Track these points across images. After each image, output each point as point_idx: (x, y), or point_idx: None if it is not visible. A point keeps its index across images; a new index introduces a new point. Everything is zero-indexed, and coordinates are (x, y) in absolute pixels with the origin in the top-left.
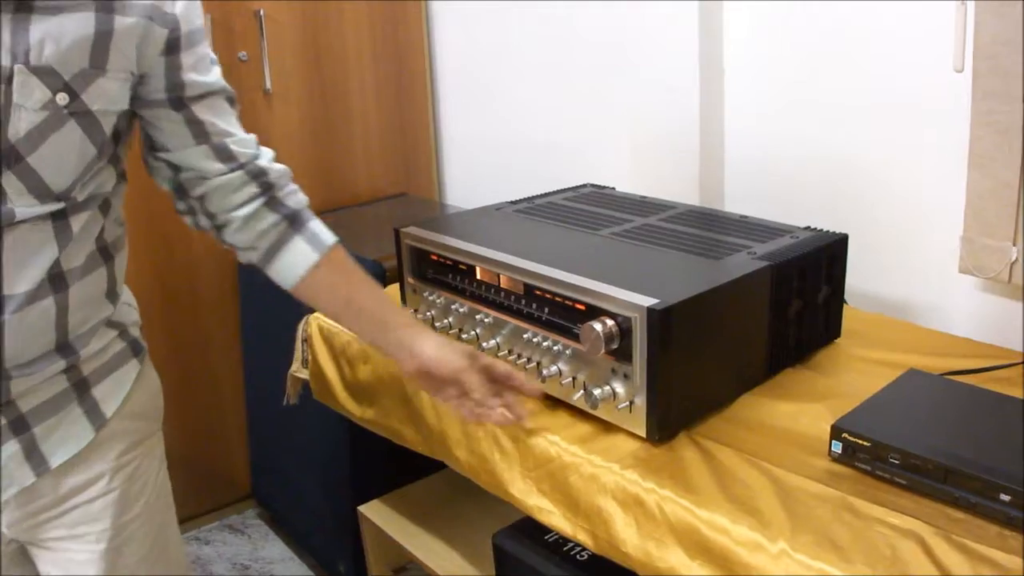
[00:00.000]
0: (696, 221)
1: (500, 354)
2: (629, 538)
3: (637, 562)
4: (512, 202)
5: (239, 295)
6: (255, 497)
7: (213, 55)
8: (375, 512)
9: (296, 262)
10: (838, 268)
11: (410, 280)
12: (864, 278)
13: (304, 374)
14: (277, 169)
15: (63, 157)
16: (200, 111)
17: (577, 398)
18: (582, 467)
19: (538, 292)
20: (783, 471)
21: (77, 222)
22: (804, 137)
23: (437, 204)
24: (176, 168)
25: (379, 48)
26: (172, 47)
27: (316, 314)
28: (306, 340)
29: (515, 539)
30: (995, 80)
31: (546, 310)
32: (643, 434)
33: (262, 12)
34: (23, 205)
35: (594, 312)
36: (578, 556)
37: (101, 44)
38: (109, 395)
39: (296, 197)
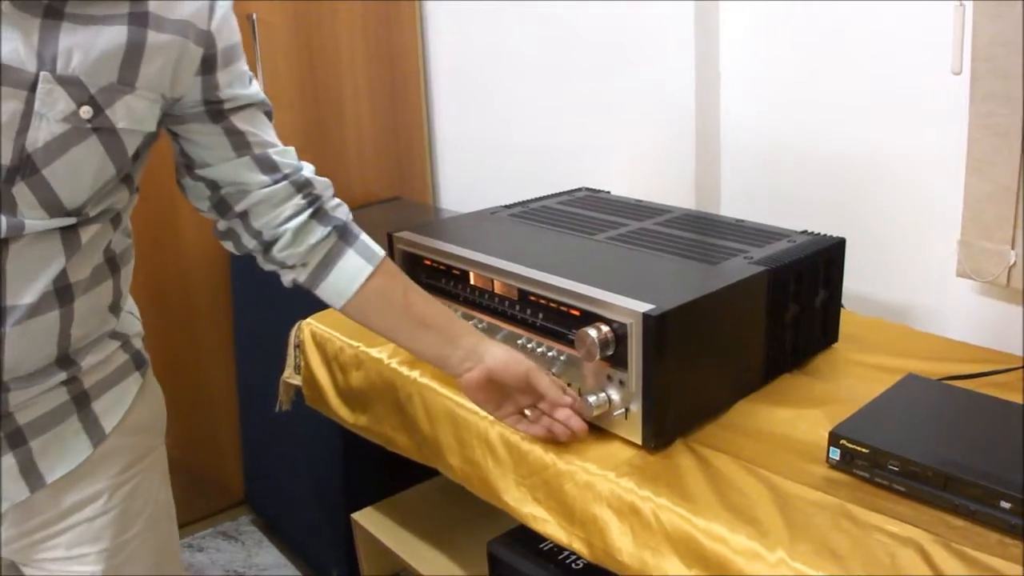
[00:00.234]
0: (692, 225)
1: None
2: (625, 547)
3: (633, 571)
4: (507, 206)
5: (232, 300)
6: (249, 503)
7: (250, 72)
8: (369, 519)
9: (350, 275)
10: (835, 272)
11: None
12: (861, 282)
13: (296, 380)
14: (321, 181)
15: (80, 174)
16: (239, 122)
17: None
18: (577, 475)
19: (533, 298)
20: (781, 478)
21: (87, 233)
22: (801, 140)
23: (431, 208)
24: (216, 185)
25: (372, 50)
26: (208, 66)
27: (309, 319)
28: (298, 346)
29: (510, 547)
30: (994, 82)
31: (541, 316)
32: (639, 441)
33: (255, 16)
34: (33, 218)
35: (589, 318)
36: (573, 565)
37: (132, 59)
38: (109, 409)
39: (342, 209)
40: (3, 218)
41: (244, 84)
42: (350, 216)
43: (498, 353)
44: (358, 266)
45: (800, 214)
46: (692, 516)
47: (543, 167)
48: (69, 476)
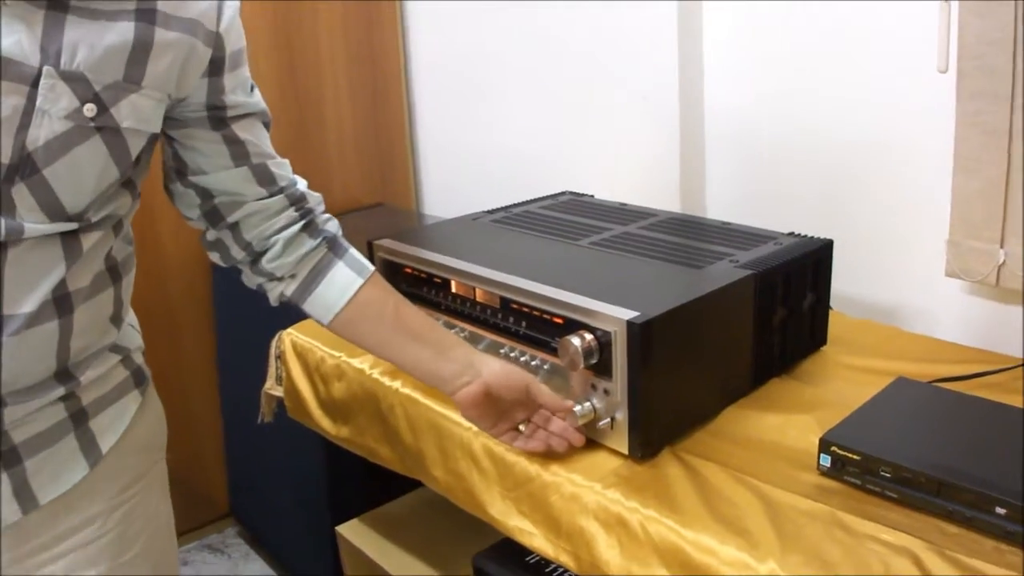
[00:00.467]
0: (677, 229)
1: None
2: (612, 559)
3: None
4: (489, 211)
5: (214, 309)
6: (234, 515)
7: (252, 81)
8: (353, 532)
9: (341, 287)
10: (823, 274)
11: None
12: (849, 283)
13: (278, 391)
14: (314, 196)
15: (82, 176)
16: (239, 130)
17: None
18: (563, 487)
19: (515, 306)
20: (771, 487)
21: (88, 240)
22: (787, 141)
23: (414, 214)
24: (208, 194)
25: (353, 51)
26: (216, 69)
27: (289, 329)
28: (279, 356)
29: (496, 561)
30: (982, 80)
31: (523, 324)
32: (625, 451)
33: None
34: (33, 221)
35: (572, 326)
36: None
37: (138, 57)
38: (108, 428)
39: (333, 223)
40: (2, 220)
41: (247, 92)
42: (340, 231)
43: (495, 366)
44: (348, 278)
45: (787, 215)
46: (680, 528)
47: (527, 170)
48: (64, 498)
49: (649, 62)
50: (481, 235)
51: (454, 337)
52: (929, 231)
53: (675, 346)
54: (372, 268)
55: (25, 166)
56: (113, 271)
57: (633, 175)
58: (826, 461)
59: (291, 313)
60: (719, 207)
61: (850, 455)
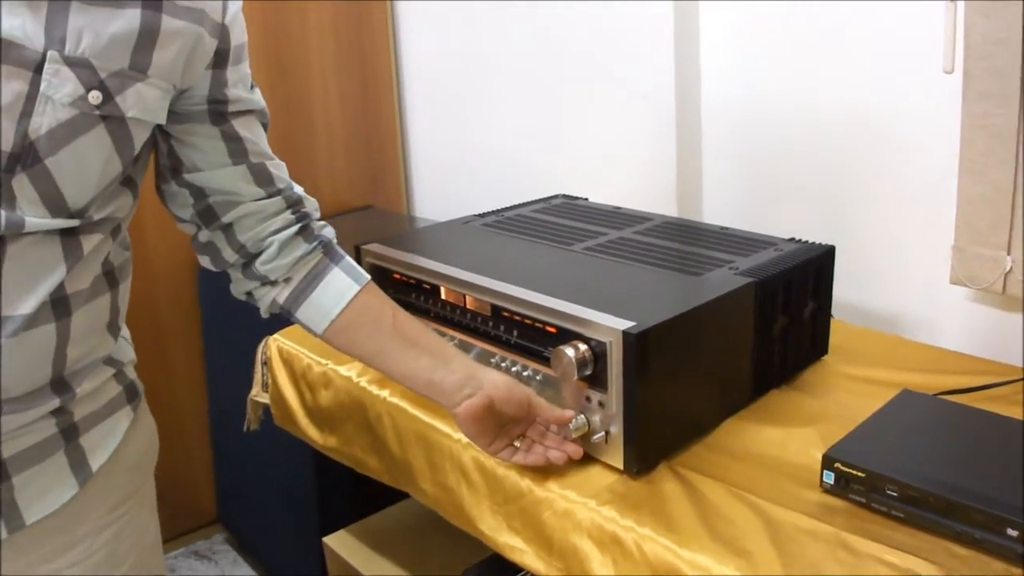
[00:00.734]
0: (674, 233)
1: None
2: None
3: None
4: (480, 215)
5: (201, 315)
6: (221, 522)
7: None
8: (341, 543)
9: (337, 292)
10: (825, 282)
11: None
12: (851, 290)
13: (264, 398)
14: (311, 201)
15: (85, 167)
16: (239, 127)
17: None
18: (556, 503)
19: (506, 314)
20: (771, 505)
21: (88, 242)
22: (786, 143)
23: (405, 217)
24: (203, 193)
25: (343, 53)
26: (220, 61)
27: (276, 335)
28: (266, 363)
29: None
30: (989, 81)
31: (515, 333)
32: (620, 466)
33: None
34: (34, 215)
35: (566, 335)
36: None
37: (145, 44)
38: (99, 445)
39: (328, 230)
40: (2, 213)
41: (247, 88)
42: (335, 237)
43: (497, 379)
44: (345, 284)
45: (786, 220)
46: (677, 547)
47: (519, 172)
48: (52, 517)
49: (645, 62)
50: (472, 239)
51: (453, 348)
52: (933, 237)
53: (672, 357)
54: (368, 277)
55: (27, 155)
56: (110, 276)
57: (628, 178)
58: (829, 478)
59: (280, 318)
60: (716, 211)
61: (854, 472)
